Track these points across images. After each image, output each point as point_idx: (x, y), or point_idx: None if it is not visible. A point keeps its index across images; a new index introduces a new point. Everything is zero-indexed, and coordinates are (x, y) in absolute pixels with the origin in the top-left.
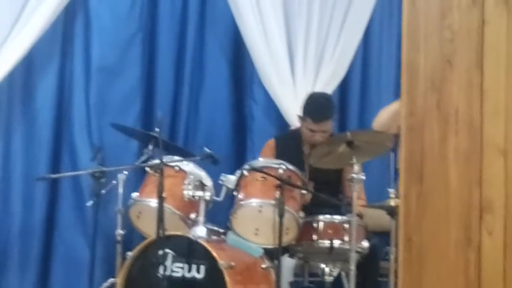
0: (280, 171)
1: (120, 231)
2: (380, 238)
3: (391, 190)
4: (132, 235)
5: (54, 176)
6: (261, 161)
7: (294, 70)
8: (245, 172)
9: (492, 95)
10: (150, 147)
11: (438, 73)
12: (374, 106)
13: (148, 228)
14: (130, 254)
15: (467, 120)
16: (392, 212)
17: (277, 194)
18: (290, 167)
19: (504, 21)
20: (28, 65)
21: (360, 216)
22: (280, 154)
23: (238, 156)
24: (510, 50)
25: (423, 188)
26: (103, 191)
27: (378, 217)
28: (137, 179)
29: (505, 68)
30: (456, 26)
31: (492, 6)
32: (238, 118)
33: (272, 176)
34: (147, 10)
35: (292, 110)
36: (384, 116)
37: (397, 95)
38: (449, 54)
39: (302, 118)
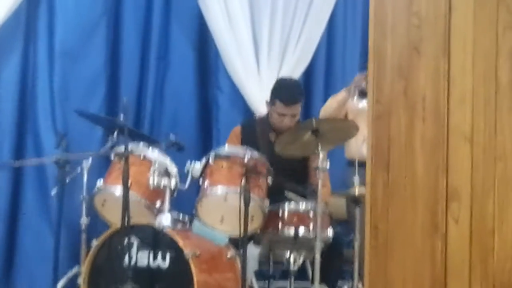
0: (246, 158)
1: (84, 219)
2: (343, 226)
3: (356, 178)
4: (97, 223)
5: (16, 163)
6: (226, 149)
7: (259, 58)
8: (211, 160)
9: (459, 82)
10: (115, 134)
11: (405, 60)
12: None
13: (113, 216)
14: (95, 242)
15: (434, 107)
16: (356, 200)
17: (242, 181)
18: (256, 154)
19: (471, 8)
20: None
21: (325, 204)
22: (246, 141)
23: (204, 144)
24: (477, 37)
25: (389, 176)
26: (68, 179)
27: (341, 205)
28: (102, 166)
29: (472, 55)
30: (423, 13)
31: None
32: (204, 106)
33: (237, 163)
34: None
35: (257, 98)
36: (332, 105)
37: None
38: (417, 41)
39: (271, 103)
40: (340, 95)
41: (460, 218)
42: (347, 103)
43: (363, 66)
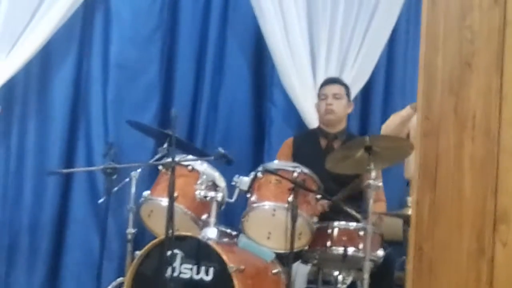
0: (295, 174)
1: (131, 230)
2: (396, 247)
3: (409, 199)
4: (143, 234)
5: (65, 170)
6: (276, 164)
7: (316, 73)
8: (259, 174)
9: (511, 100)
10: (165, 145)
11: (456, 76)
12: (397, 110)
13: (158, 227)
14: (138, 253)
15: (484, 125)
16: (408, 220)
17: (291, 197)
18: (306, 170)
19: None
20: (45, 59)
21: (379, 220)
22: (297, 151)
23: (256, 158)
24: None
25: (436, 195)
26: (115, 189)
27: (394, 226)
28: (151, 177)
29: None
30: (476, 27)
31: None
32: (257, 120)
33: (286, 179)
34: (168, 6)
35: (312, 114)
36: (395, 121)
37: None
38: (469, 56)
39: (318, 99)
40: (405, 111)
41: (508, 241)
42: (411, 120)
43: None
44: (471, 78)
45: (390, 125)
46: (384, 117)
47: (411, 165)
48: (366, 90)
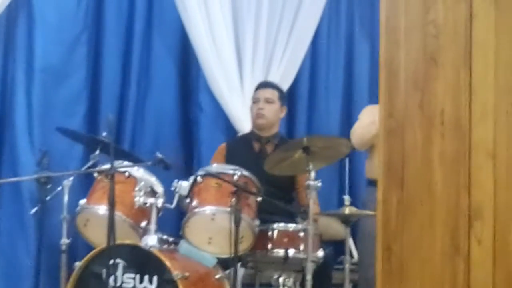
0: (236, 177)
1: (65, 240)
2: (334, 247)
3: (346, 197)
4: (78, 244)
5: None
6: (215, 167)
7: (243, 75)
8: (199, 178)
9: (480, 95)
10: (97, 152)
11: (421, 72)
12: (322, 112)
13: (96, 236)
14: (77, 264)
15: (454, 121)
16: (347, 220)
17: (233, 201)
18: (246, 173)
19: (492, 16)
20: None
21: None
22: (230, 156)
23: (185, 163)
24: (499, 46)
25: (404, 194)
26: (48, 198)
27: (330, 226)
28: (83, 185)
29: (494, 66)
30: (441, 21)
31: None
32: (185, 124)
33: (228, 182)
34: (93, 9)
35: (241, 116)
36: (371, 131)
37: (344, 100)
38: (434, 51)
39: (252, 102)
40: (365, 119)
41: (483, 238)
42: None
43: None
44: (438, 74)
45: (365, 136)
46: (309, 119)
47: (374, 165)
48: (292, 91)
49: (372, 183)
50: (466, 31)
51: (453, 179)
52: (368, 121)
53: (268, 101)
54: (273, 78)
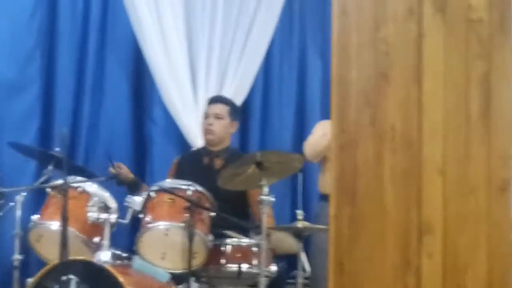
0: (189, 192)
1: (18, 256)
2: (287, 261)
3: (299, 212)
4: (30, 261)
5: None
6: (169, 182)
7: (196, 90)
8: (152, 194)
9: (430, 111)
10: (50, 167)
11: (372, 88)
12: (275, 127)
13: (49, 252)
14: (30, 280)
15: (404, 137)
16: (299, 234)
17: (186, 216)
18: (199, 188)
19: (441, 35)
20: None
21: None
22: (180, 169)
23: (138, 177)
24: (448, 63)
25: (356, 209)
26: (0, 213)
27: (283, 240)
28: (36, 201)
29: (443, 83)
30: (391, 39)
31: (429, 17)
32: (138, 139)
33: (182, 197)
34: (46, 24)
35: (194, 131)
36: (322, 142)
37: (297, 115)
38: (385, 67)
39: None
40: (318, 132)
41: (434, 253)
42: None
43: None
44: (388, 90)
45: (317, 147)
46: (263, 134)
47: (326, 179)
48: (245, 107)
49: (325, 197)
50: (416, 49)
51: (403, 194)
52: (320, 133)
53: (217, 116)
54: (227, 92)
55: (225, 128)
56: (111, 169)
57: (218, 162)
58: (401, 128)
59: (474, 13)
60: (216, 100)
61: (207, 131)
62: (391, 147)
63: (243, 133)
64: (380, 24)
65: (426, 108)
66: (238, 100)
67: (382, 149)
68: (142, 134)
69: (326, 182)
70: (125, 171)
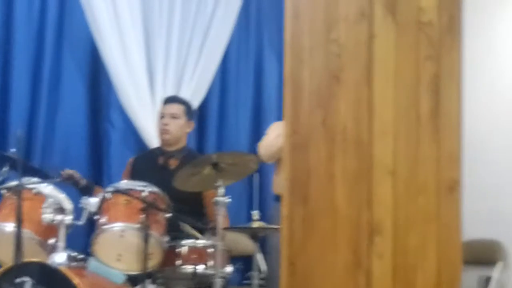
0: (145, 193)
1: None
2: (243, 262)
3: (255, 212)
4: None
5: None
6: (124, 183)
7: (154, 92)
8: (108, 195)
9: (380, 112)
10: (6, 168)
11: (324, 89)
12: (232, 128)
13: (3, 254)
14: None
15: (355, 138)
16: (255, 235)
17: (142, 217)
18: (155, 189)
19: (392, 36)
20: None
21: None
22: (135, 170)
23: (95, 180)
24: (399, 65)
25: (308, 209)
26: None
27: (239, 241)
28: None
29: (393, 85)
30: (343, 40)
31: (380, 19)
32: (95, 140)
33: (137, 199)
34: (2, 25)
35: (151, 132)
36: (277, 143)
37: (254, 116)
38: (336, 69)
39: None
40: (272, 133)
41: (384, 253)
42: None
43: None
44: (340, 91)
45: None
46: (220, 135)
47: (279, 180)
48: (202, 108)
49: (279, 198)
50: (367, 50)
51: (354, 195)
52: (274, 135)
53: (173, 116)
54: (184, 94)
55: (181, 128)
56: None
57: (173, 162)
58: (352, 129)
59: (424, 16)
60: (171, 100)
61: (163, 131)
62: (342, 148)
63: (200, 134)
64: (331, 26)
65: (376, 109)
66: (196, 102)
67: (334, 150)
68: (99, 135)
69: (280, 183)
70: (77, 177)
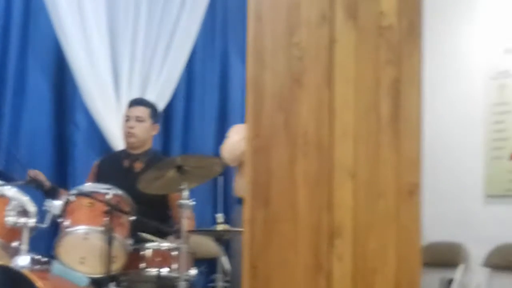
0: (108, 196)
1: None
2: (208, 265)
3: (219, 215)
4: None
5: None
6: (88, 186)
7: (119, 95)
8: (72, 198)
9: (341, 115)
10: None
11: (286, 92)
12: (197, 131)
13: None
14: None
15: (316, 141)
16: (219, 238)
17: (106, 220)
18: (119, 192)
19: (352, 40)
20: None
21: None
22: (100, 173)
23: (59, 182)
24: (359, 69)
25: (270, 212)
26: None
27: (204, 244)
28: None
29: (354, 88)
30: (304, 44)
31: (341, 23)
32: (60, 143)
33: (100, 201)
34: None
35: (116, 135)
36: (240, 147)
37: (219, 119)
38: (298, 72)
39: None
40: (234, 136)
41: (344, 255)
42: None
43: None
44: (301, 95)
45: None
46: (185, 138)
47: (242, 183)
48: (167, 111)
49: (241, 201)
50: (328, 54)
51: (315, 198)
52: (238, 138)
53: (138, 119)
54: (150, 97)
55: (147, 131)
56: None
57: (138, 165)
58: (313, 132)
59: (384, 20)
60: (137, 102)
61: (128, 134)
62: (304, 151)
63: (166, 137)
64: (293, 29)
65: (337, 113)
66: (161, 104)
67: (295, 153)
68: (64, 137)
69: (242, 186)
70: (42, 179)
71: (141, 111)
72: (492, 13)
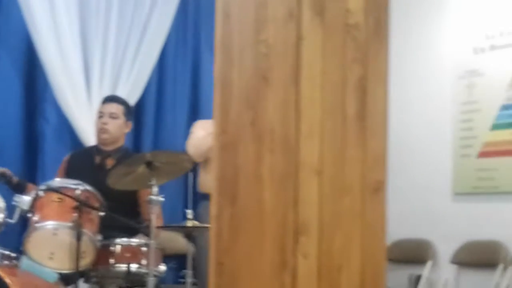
0: (78, 191)
1: None
2: (177, 261)
3: (189, 211)
4: None
5: None
6: (58, 181)
7: (90, 89)
8: (41, 193)
9: (307, 113)
10: None
11: (253, 90)
12: (169, 127)
13: None
14: None
15: (283, 138)
16: (189, 234)
17: (75, 216)
18: (88, 187)
19: (319, 38)
20: None
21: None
22: (71, 168)
23: (28, 176)
24: (326, 66)
25: (236, 208)
26: None
27: (174, 240)
28: None
29: (321, 86)
30: (271, 41)
31: (308, 20)
32: (30, 137)
33: (69, 197)
34: None
35: (87, 130)
36: (207, 143)
37: (190, 115)
38: (265, 69)
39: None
40: (197, 133)
41: (309, 253)
42: None
43: None
44: (268, 92)
45: (202, 146)
46: (156, 134)
47: (208, 179)
48: (138, 107)
49: (207, 197)
50: (295, 51)
51: (281, 195)
52: (204, 133)
53: (112, 116)
54: (121, 92)
55: (120, 128)
56: None
57: (109, 162)
58: (280, 129)
59: (351, 18)
60: (111, 99)
61: (101, 130)
62: (270, 148)
63: (137, 133)
64: (261, 26)
65: (303, 110)
66: (132, 100)
67: (262, 150)
68: (33, 132)
69: (206, 181)
70: (9, 174)
71: (115, 108)
72: (461, 12)
